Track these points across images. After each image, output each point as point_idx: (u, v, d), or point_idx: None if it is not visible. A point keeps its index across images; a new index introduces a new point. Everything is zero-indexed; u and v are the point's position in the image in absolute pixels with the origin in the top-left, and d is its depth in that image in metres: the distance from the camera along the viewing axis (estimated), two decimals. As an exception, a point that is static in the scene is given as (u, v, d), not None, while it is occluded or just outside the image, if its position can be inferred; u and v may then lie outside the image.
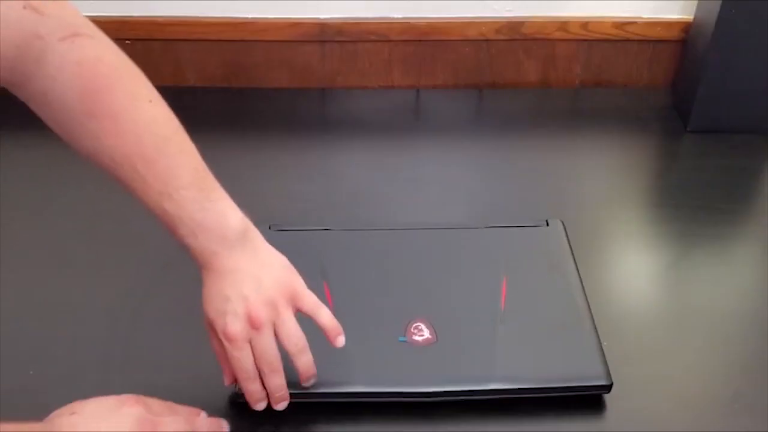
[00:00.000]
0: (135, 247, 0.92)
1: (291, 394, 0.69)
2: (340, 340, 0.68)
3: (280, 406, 0.69)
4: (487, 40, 1.21)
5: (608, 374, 0.72)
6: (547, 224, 0.90)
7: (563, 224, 0.89)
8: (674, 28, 1.21)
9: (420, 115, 1.22)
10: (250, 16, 1.19)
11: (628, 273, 0.93)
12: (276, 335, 0.65)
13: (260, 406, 0.69)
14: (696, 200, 1.02)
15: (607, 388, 0.72)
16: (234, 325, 0.63)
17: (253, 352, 0.65)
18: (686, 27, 1.20)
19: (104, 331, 0.80)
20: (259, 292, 0.64)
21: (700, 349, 0.82)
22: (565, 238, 0.87)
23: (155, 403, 0.66)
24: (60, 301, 0.85)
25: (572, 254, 0.85)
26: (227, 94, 1.24)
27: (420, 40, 1.21)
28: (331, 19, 1.19)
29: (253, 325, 0.64)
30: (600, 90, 1.26)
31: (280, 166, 1.08)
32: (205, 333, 0.79)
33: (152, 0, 1.16)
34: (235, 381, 0.68)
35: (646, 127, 1.18)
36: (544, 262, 0.85)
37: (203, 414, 0.69)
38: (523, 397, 0.73)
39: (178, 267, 0.88)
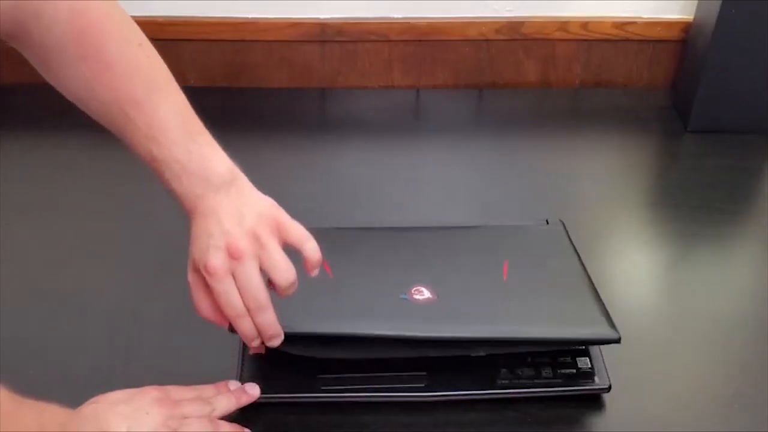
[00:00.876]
0: (135, 247, 0.92)
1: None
2: (315, 272, 0.68)
3: (273, 343, 0.68)
4: (487, 40, 1.21)
5: (616, 329, 0.71)
6: (547, 224, 0.90)
7: (563, 224, 0.89)
8: (674, 28, 1.21)
9: (420, 115, 1.22)
10: (250, 16, 1.20)
11: (628, 273, 0.93)
12: (263, 269, 0.64)
13: (255, 343, 0.68)
14: (696, 200, 1.02)
15: (616, 341, 0.71)
16: (214, 258, 0.62)
17: (237, 286, 0.64)
18: (686, 27, 1.20)
19: (104, 331, 0.80)
20: (241, 225, 0.64)
21: (700, 349, 0.81)
22: (565, 235, 0.87)
23: (174, 389, 0.67)
24: (60, 301, 0.84)
25: (572, 244, 0.85)
26: (227, 94, 1.24)
27: (420, 40, 1.21)
28: (331, 19, 1.19)
29: (233, 255, 0.63)
30: (600, 90, 1.26)
31: (280, 166, 1.08)
32: (206, 331, 0.79)
33: (152, 0, 1.16)
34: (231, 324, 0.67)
35: (646, 127, 1.18)
36: (545, 248, 0.85)
37: (232, 383, 0.70)
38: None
39: (179, 267, 0.88)
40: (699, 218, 0.99)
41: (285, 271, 0.65)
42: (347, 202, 1.01)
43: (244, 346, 0.75)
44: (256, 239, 0.64)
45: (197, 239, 0.64)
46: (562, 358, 0.74)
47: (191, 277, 0.66)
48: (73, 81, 0.64)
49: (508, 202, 1.02)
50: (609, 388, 0.72)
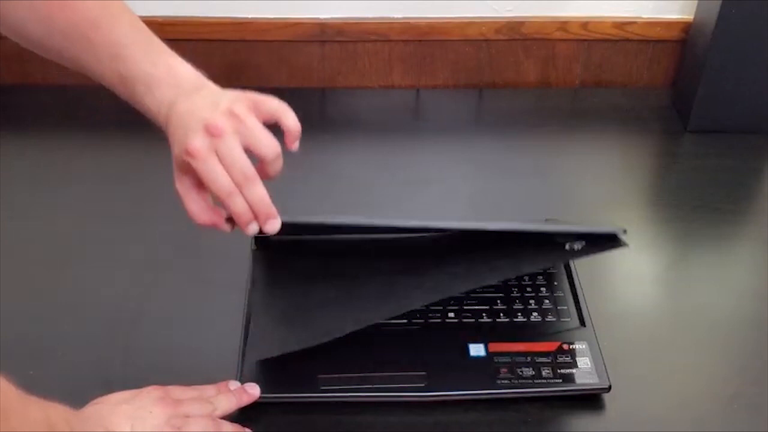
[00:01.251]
0: (135, 247, 0.92)
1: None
2: (296, 145, 0.69)
3: (270, 225, 0.67)
4: (487, 40, 1.21)
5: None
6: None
7: (563, 224, 0.90)
8: (674, 28, 1.21)
9: (420, 115, 1.22)
10: (250, 16, 1.19)
11: (627, 273, 0.93)
12: (246, 146, 0.64)
13: (252, 228, 0.67)
14: (696, 200, 1.02)
15: (620, 235, 0.72)
16: (194, 139, 0.62)
17: (223, 164, 0.63)
18: (686, 27, 1.20)
19: (104, 331, 0.81)
20: (217, 108, 0.64)
21: (700, 349, 0.82)
22: None
23: (175, 389, 0.68)
24: (60, 300, 0.85)
25: None
26: (227, 94, 1.23)
27: (420, 40, 1.21)
28: (331, 19, 1.19)
29: (213, 133, 0.63)
30: (600, 90, 1.26)
31: (280, 166, 1.08)
32: (206, 331, 0.80)
33: (152, 0, 1.16)
34: (231, 221, 0.67)
35: (646, 127, 1.18)
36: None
37: (233, 383, 0.70)
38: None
39: (179, 267, 0.88)
40: (699, 218, 0.99)
41: (268, 145, 0.65)
42: (347, 202, 1.01)
43: (245, 346, 0.75)
44: (234, 116, 0.64)
45: (176, 136, 0.64)
46: (562, 358, 0.74)
47: (178, 183, 0.66)
48: (28, 23, 0.65)
49: (508, 202, 1.02)
50: (609, 388, 0.72)
